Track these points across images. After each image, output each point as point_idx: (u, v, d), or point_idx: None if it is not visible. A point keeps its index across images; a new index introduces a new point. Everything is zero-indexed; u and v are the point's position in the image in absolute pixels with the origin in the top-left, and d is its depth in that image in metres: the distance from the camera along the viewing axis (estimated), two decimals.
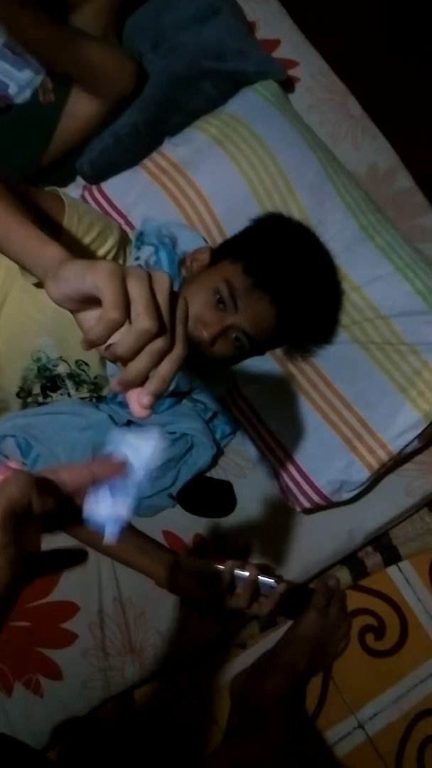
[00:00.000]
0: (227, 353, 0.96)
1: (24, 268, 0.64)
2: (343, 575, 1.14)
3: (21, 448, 1.00)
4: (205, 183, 1.09)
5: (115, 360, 0.49)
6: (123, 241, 0.98)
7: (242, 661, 1.12)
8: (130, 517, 0.48)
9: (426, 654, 1.14)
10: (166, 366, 0.49)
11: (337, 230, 1.08)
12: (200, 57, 1.11)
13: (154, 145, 1.13)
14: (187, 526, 1.07)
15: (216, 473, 1.10)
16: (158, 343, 0.48)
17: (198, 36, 1.12)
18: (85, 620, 1.03)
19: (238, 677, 1.11)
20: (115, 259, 0.96)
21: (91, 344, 0.49)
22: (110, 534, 0.48)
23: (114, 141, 1.11)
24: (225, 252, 0.99)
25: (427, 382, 0.99)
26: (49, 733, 1.00)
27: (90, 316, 0.52)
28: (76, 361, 0.98)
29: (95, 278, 0.48)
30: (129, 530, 1.03)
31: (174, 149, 1.11)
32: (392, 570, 1.18)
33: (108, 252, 0.95)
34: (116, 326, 0.47)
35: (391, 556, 1.16)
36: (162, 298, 0.49)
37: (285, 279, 0.95)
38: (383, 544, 1.16)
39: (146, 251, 0.99)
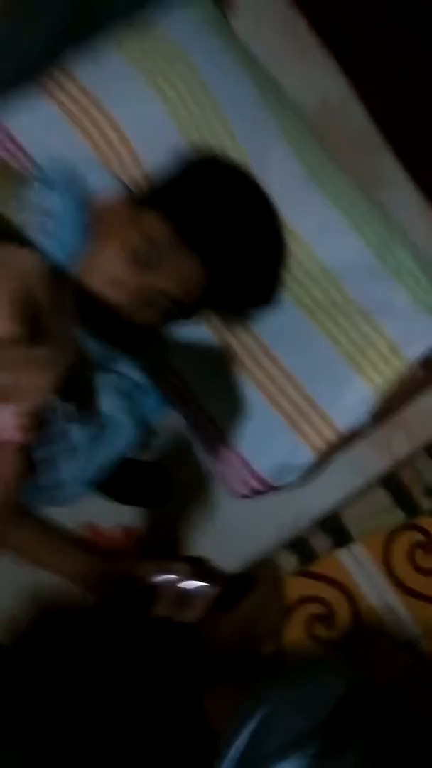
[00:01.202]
0: (148, 320, 0.81)
1: None
2: (288, 560, 1.04)
3: None
4: (123, 115, 0.90)
5: None
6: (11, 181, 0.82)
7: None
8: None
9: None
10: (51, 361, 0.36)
11: (280, 173, 0.91)
12: None
13: (58, 59, 0.93)
14: (112, 516, 0.94)
15: (145, 455, 0.96)
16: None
17: None
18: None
19: None
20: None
21: None
22: None
23: (10, 61, 0.91)
24: (145, 200, 0.83)
25: (379, 352, 0.86)
26: None
27: None
28: None
29: None
30: (41, 526, 0.91)
31: (84, 71, 0.92)
32: (343, 552, 1.07)
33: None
34: None
35: (342, 538, 1.06)
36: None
37: (217, 232, 0.79)
38: (333, 525, 1.06)
39: (49, 198, 0.82)
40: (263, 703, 0.78)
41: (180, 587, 0.81)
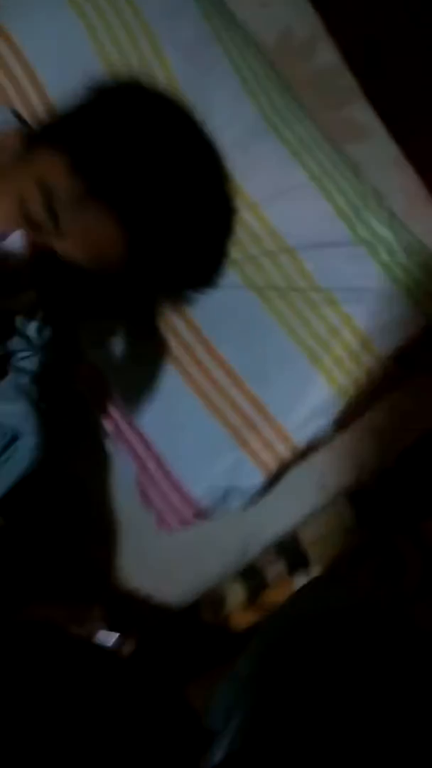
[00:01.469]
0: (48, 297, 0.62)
1: None
2: (235, 591, 0.87)
3: None
4: (28, 38, 0.70)
5: None
6: None
7: None
8: None
9: None
10: None
11: (226, 116, 0.72)
12: None
13: None
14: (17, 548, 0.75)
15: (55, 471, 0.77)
16: None
17: None
18: None
19: None
20: None
21: None
22: None
23: None
24: (44, 137, 0.62)
25: (346, 345, 0.68)
26: None
27: None
28: None
29: None
30: None
31: (12, 18, 0.71)
32: (300, 579, 0.91)
33: None
34: None
35: (298, 562, 0.89)
36: None
37: (139, 179, 0.60)
38: (288, 547, 0.89)
39: None
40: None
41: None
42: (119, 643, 0.65)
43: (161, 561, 0.77)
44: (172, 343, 0.70)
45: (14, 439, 0.71)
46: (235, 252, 0.71)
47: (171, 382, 0.70)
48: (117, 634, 0.65)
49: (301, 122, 0.75)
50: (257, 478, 0.69)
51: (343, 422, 0.74)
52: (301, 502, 0.81)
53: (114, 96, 0.64)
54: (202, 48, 0.73)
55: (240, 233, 0.72)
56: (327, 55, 0.89)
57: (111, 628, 0.65)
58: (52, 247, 0.58)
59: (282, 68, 0.83)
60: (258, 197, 0.72)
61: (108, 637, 0.64)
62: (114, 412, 0.72)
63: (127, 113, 0.63)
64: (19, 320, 0.69)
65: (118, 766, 0.60)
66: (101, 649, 0.69)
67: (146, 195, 0.60)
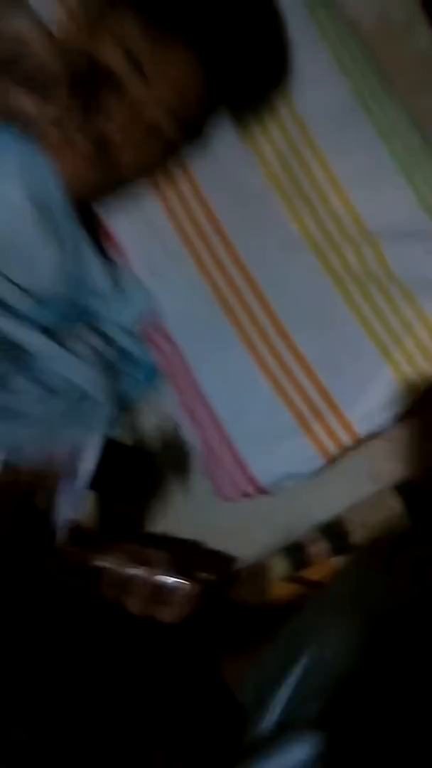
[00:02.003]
0: (149, 154, 0.65)
1: None
2: (279, 563, 0.90)
3: None
4: None
5: None
6: None
7: None
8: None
9: None
10: None
11: (322, 97, 0.71)
12: None
13: None
14: (87, 506, 0.79)
15: (126, 438, 0.80)
16: None
17: None
18: None
19: None
20: None
21: None
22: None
23: None
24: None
25: (418, 341, 0.68)
26: None
27: None
28: None
29: None
30: None
31: None
32: (340, 561, 0.93)
33: None
34: None
35: (341, 545, 0.91)
36: None
37: (207, 16, 0.62)
38: (333, 530, 0.90)
39: None
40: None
41: (154, 582, 0.69)
42: (188, 587, 0.68)
43: (213, 528, 0.80)
44: (248, 325, 0.71)
45: (87, 401, 0.75)
46: (312, 229, 0.71)
47: (242, 361, 0.70)
48: (181, 578, 0.68)
49: (395, 108, 0.73)
50: (317, 463, 0.70)
51: (403, 416, 0.75)
52: (351, 488, 0.82)
53: None
54: (301, 28, 0.72)
55: (324, 216, 0.71)
56: (423, 37, 0.86)
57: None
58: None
59: (378, 50, 0.81)
60: (343, 174, 0.71)
61: (172, 580, 0.68)
62: (185, 384, 0.74)
63: None
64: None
65: (149, 737, 0.64)
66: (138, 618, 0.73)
67: (215, 27, 0.63)
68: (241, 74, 0.68)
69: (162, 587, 0.70)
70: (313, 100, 0.72)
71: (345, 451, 0.71)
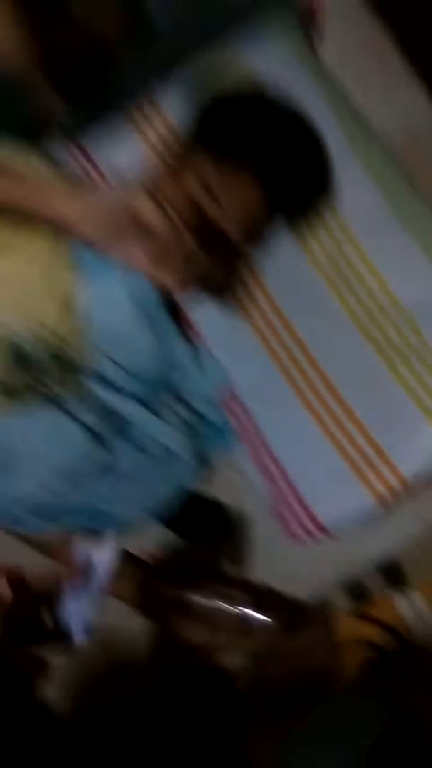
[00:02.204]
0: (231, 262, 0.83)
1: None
2: (341, 600, 1.00)
3: None
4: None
5: None
6: None
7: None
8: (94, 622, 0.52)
9: None
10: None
11: (360, 205, 0.87)
12: None
13: (146, 90, 0.92)
14: (171, 550, 0.92)
15: (205, 490, 0.94)
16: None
17: None
18: None
19: None
20: None
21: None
22: (80, 634, 0.55)
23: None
24: (180, 152, 0.82)
25: None
26: None
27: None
28: (39, 325, 0.82)
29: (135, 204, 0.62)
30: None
31: (172, 103, 0.90)
32: (398, 597, 1.02)
33: None
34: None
35: (398, 581, 1.01)
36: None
37: (260, 142, 0.79)
38: (389, 567, 1.00)
39: None
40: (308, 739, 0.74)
41: (238, 615, 0.78)
42: (269, 623, 0.77)
43: (281, 567, 0.92)
44: (305, 388, 0.85)
45: (175, 461, 0.89)
46: (359, 311, 0.85)
47: (303, 420, 0.84)
48: (263, 615, 0.78)
49: (423, 211, 0.88)
50: (372, 507, 0.82)
51: None
52: (403, 530, 0.93)
53: (218, 102, 0.83)
54: (340, 152, 0.88)
55: (365, 299, 0.86)
56: None
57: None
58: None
59: (408, 162, 0.95)
60: (382, 267, 0.85)
61: (256, 615, 0.78)
62: (256, 440, 0.88)
63: (233, 104, 0.83)
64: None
65: None
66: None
67: (276, 160, 0.79)
68: (294, 190, 0.85)
69: (246, 621, 0.79)
70: (351, 206, 0.88)
71: (396, 496, 0.83)
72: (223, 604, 0.79)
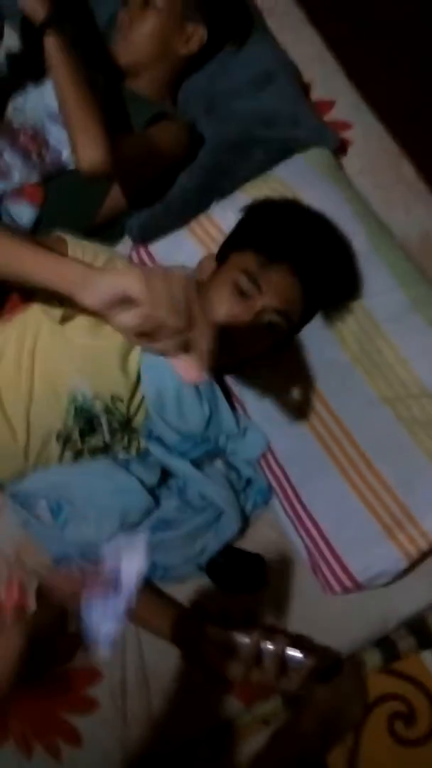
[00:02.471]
0: (265, 341, 0.92)
1: (51, 289, 0.68)
2: (373, 657, 1.06)
3: (52, 509, 0.97)
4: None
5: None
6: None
7: (264, 737, 1.05)
8: (121, 628, 0.52)
9: None
10: (200, 345, 0.61)
11: (385, 301, 1.01)
12: (252, 124, 1.08)
13: (202, 208, 1.09)
14: (214, 597, 1.01)
15: (245, 544, 1.03)
16: (184, 328, 0.60)
17: (251, 103, 1.09)
18: (108, 688, 0.98)
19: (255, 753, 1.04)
20: None
21: (129, 332, 0.60)
22: (104, 645, 0.51)
23: (163, 205, 1.08)
24: (228, 249, 0.95)
25: None
26: None
27: (123, 318, 0.61)
28: (111, 397, 0.94)
29: (126, 281, 0.59)
30: (155, 595, 0.99)
31: (223, 214, 1.06)
32: (426, 654, 1.09)
33: None
34: (152, 320, 0.59)
35: (426, 640, 1.07)
36: (178, 290, 0.60)
37: (293, 243, 0.91)
38: (418, 626, 1.07)
39: None
40: None
41: (282, 654, 0.84)
42: (307, 661, 0.83)
43: (318, 621, 0.99)
44: (342, 458, 0.96)
45: (220, 515, 0.99)
46: (388, 393, 0.97)
47: (338, 485, 0.95)
48: (301, 653, 0.84)
49: None
50: (402, 565, 0.91)
51: None
52: (431, 588, 1.02)
53: (256, 209, 0.98)
54: (366, 257, 1.02)
55: (392, 379, 0.98)
56: None
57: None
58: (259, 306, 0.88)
59: (423, 261, 1.11)
60: (407, 355, 0.98)
61: (295, 654, 0.84)
62: (295, 502, 0.99)
63: (270, 211, 0.96)
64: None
65: None
66: None
67: (302, 248, 0.91)
68: (327, 284, 0.98)
69: (288, 661, 0.85)
70: (377, 300, 1.01)
71: (424, 555, 0.92)
72: (263, 642, 0.84)
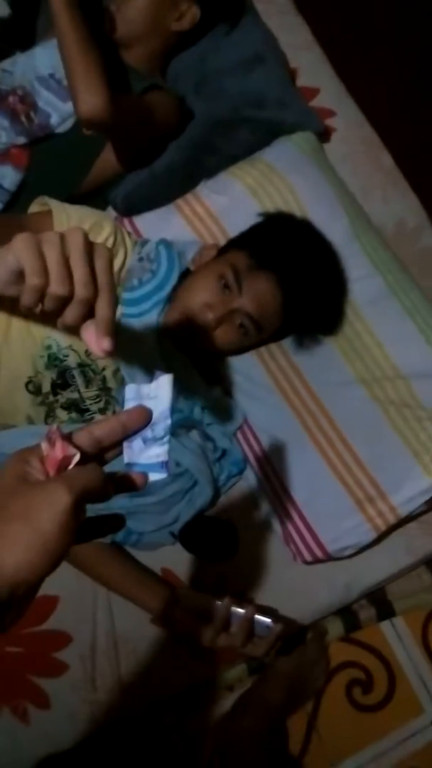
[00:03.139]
0: (232, 340, 0.91)
1: None
2: (336, 626, 1.09)
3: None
4: (224, 214, 1.06)
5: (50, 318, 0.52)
6: (121, 233, 0.94)
7: (229, 703, 1.07)
8: (170, 457, 0.49)
9: (411, 712, 1.08)
10: (101, 312, 0.52)
11: (364, 286, 1.02)
12: (241, 104, 1.07)
13: (188, 185, 1.08)
14: (186, 565, 1.01)
15: (219, 513, 1.04)
16: (81, 295, 0.51)
17: (240, 83, 1.08)
18: (77, 651, 0.98)
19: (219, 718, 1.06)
20: (115, 248, 0.92)
21: (26, 310, 0.52)
22: (157, 476, 0.48)
23: (149, 177, 1.06)
24: (231, 244, 0.96)
25: None
26: (31, 764, 0.96)
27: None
28: (85, 351, 0.92)
29: (13, 252, 0.50)
30: (127, 562, 0.99)
31: (210, 195, 1.06)
32: (385, 625, 1.12)
33: (106, 239, 0.90)
34: (39, 290, 0.50)
35: (385, 611, 1.11)
36: (75, 255, 0.51)
37: (288, 260, 0.91)
38: (378, 599, 1.11)
39: (148, 247, 0.96)
40: None
41: (251, 619, 0.86)
42: (272, 623, 0.86)
43: (286, 588, 1.01)
44: (319, 435, 0.98)
45: (194, 485, 1.00)
46: (365, 374, 0.99)
47: (314, 459, 0.97)
48: (269, 619, 0.86)
49: (412, 290, 1.04)
50: (370, 537, 0.94)
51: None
52: (393, 561, 1.04)
53: (270, 218, 0.98)
54: (347, 242, 1.03)
55: (369, 362, 1.00)
56: (429, 238, 1.20)
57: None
58: (236, 304, 0.88)
59: (397, 248, 1.13)
60: (383, 339, 1.00)
61: (263, 619, 0.86)
62: (271, 475, 1.00)
63: (278, 224, 0.97)
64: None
65: None
66: None
67: (292, 266, 0.90)
68: (310, 310, 0.95)
69: (256, 626, 0.87)
70: (357, 286, 1.03)
71: (390, 528, 0.95)
72: (234, 606, 0.87)
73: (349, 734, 1.07)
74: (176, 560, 1.01)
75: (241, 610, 0.86)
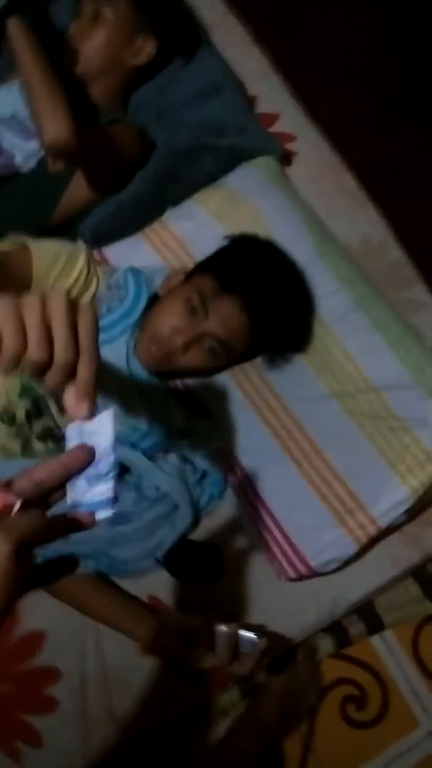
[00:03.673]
0: (202, 363, 0.93)
1: None
2: (326, 643, 1.08)
3: None
4: (192, 240, 1.07)
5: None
6: (93, 264, 0.95)
7: (224, 728, 1.05)
8: (116, 494, 0.48)
9: (406, 726, 1.06)
10: (81, 374, 0.50)
11: (331, 302, 1.04)
12: (201, 132, 1.10)
13: (155, 214, 1.10)
14: (172, 589, 1.01)
15: (201, 535, 1.03)
16: (61, 360, 0.49)
17: (199, 112, 1.11)
18: (67, 686, 0.96)
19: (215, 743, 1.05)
20: (88, 278, 0.94)
21: (6, 373, 0.50)
22: (104, 514, 0.47)
23: (116, 209, 1.08)
24: (197, 268, 0.97)
25: (415, 458, 0.95)
26: None
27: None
28: None
29: None
30: (112, 591, 0.98)
31: (177, 222, 1.08)
32: (375, 639, 1.11)
33: (80, 270, 0.92)
34: (17, 356, 0.48)
35: (375, 625, 1.10)
36: (57, 319, 0.49)
37: (253, 282, 0.92)
38: (367, 613, 1.10)
39: (116, 275, 0.98)
40: None
41: (236, 634, 0.85)
42: (258, 638, 0.84)
43: (273, 607, 1.00)
44: (295, 450, 0.98)
45: (176, 508, 1.00)
46: (337, 388, 1.00)
47: (292, 476, 0.97)
48: (254, 634, 0.85)
49: (380, 303, 1.06)
50: (352, 550, 0.94)
51: (412, 513, 0.99)
52: (379, 574, 1.04)
53: (235, 241, 0.99)
54: (312, 262, 1.04)
55: (341, 376, 1.00)
56: (394, 252, 1.21)
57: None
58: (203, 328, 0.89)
59: (363, 263, 1.15)
60: (353, 352, 1.01)
61: (248, 635, 0.85)
62: (251, 493, 1.00)
63: (244, 247, 0.98)
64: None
65: None
66: None
67: (258, 289, 0.91)
68: (277, 331, 0.96)
69: (241, 642, 0.85)
70: (324, 304, 1.04)
71: (372, 540, 0.95)
72: (217, 624, 0.86)
73: (347, 753, 1.05)
74: (162, 588, 1.00)
75: (225, 628, 0.86)
